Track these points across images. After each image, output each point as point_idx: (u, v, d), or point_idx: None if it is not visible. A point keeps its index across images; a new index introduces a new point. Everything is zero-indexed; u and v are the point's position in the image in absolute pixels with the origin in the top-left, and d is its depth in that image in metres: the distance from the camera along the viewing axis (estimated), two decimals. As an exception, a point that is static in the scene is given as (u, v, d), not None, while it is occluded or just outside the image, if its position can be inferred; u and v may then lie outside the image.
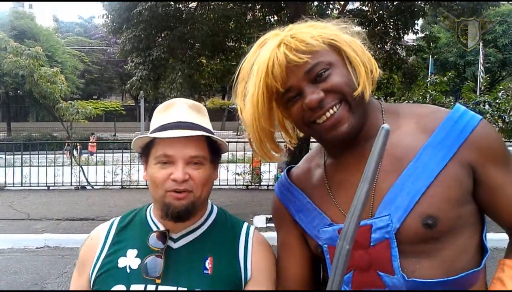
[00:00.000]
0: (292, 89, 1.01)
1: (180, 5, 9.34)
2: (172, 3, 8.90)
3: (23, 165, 11.40)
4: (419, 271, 0.96)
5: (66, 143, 19.88)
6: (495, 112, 8.58)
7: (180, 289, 1.12)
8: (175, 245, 1.19)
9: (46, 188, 11.02)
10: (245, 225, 1.28)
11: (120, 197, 9.94)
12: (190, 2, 9.73)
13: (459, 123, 1.00)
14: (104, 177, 11.18)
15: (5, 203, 9.27)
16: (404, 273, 0.95)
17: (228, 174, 11.48)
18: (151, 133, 1.20)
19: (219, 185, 11.29)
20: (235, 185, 11.34)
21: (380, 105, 1.11)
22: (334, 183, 1.09)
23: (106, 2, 9.03)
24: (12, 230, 7.21)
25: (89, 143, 19.22)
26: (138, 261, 1.16)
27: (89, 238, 1.29)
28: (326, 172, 1.13)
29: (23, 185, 11.05)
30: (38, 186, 11.02)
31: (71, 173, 11.33)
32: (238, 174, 11.42)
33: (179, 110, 1.22)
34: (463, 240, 0.98)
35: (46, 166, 11.46)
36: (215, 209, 1.30)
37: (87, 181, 11.47)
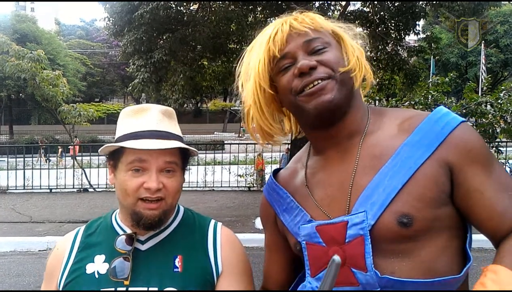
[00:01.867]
0: (287, 56, 1.04)
1: (182, 8, 9.37)
2: (173, 5, 8.93)
3: (25, 167, 11.44)
4: (397, 271, 0.95)
5: (40, 147, 19.98)
6: (497, 113, 8.55)
7: (150, 289, 1.11)
8: (143, 247, 1.18)
9: (48, 190, 11.05)
10: (212, 221, 1.28)
11: (122, 199, 9.94)
12: (191, 5, 9.75)
13: (439, 123, 1.00)
14: (106, 179, 11.18)
15: (7, 206, 9.29)
16: (377, 271, 0.95)
17: (230, 176, 11.50)
18: (120, 138, 1.17)
19: (221, 186, 11.30)
20: (237, 186, 11.36)
21: (367, 107, 1.13)
22: (314, 182, 1.11)
23: (107, 5, 9.06)
24: (15, 233, 7.22)
25: (70, 147, 19.29)
26: (107, 265, 1.14)
27: (55, 248, 1.27)
28: (306, 172, 1.15)
29: (26, 187, 11.08)
30: (40, 188, 11.06)
31: (73, 176, 11.36)
32: (240, 175, 11.42)
33: (152, 117, 1.18)
34: (442, 242, 0.97)
35: (48, 169, 11.49)
36: (181, 208, 1.29)
37: (89, 184, 11.49)
